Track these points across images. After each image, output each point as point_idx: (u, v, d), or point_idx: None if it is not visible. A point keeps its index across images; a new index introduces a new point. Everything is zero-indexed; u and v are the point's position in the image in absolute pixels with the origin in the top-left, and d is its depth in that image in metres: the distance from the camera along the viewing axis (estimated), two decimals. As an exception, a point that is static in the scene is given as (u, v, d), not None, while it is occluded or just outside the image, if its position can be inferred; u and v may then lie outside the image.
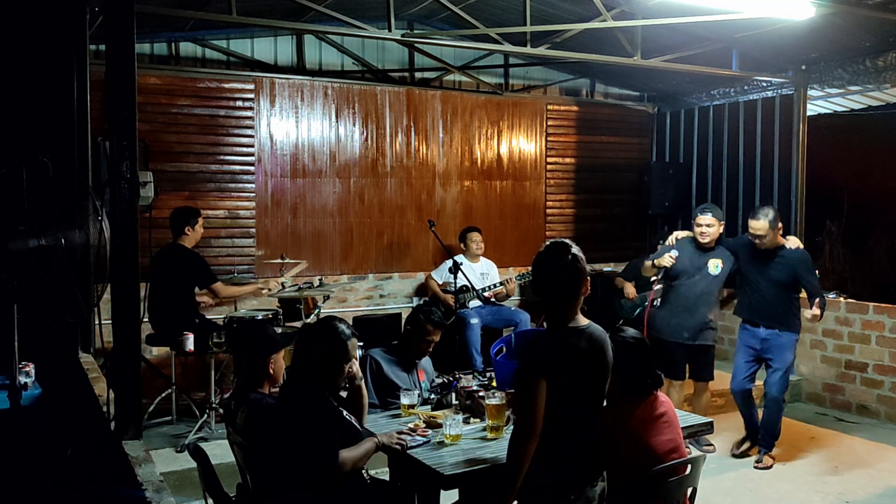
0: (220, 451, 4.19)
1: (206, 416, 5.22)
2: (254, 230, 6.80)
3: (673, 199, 8.15)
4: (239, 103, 6.70)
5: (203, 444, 3.99)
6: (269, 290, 6.10)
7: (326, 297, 6.29)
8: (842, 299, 6.70)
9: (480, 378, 4.12)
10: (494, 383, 4.00)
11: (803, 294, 5.19)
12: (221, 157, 6.65)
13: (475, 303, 6.78)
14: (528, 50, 6.01)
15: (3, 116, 4.40)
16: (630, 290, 6.97)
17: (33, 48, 4.57)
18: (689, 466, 3.11)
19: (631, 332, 3.34)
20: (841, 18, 5.68)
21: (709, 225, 5.29)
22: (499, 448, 3.20)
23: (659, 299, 5.96)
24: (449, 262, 6.50)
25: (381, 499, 3.32)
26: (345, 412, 3.21)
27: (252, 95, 6.73)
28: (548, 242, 2.82)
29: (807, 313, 5.02)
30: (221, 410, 5.10)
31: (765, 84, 7.34)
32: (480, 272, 7.02)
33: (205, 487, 3.19)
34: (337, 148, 7.12)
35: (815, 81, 6.91)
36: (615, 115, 8.50)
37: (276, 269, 6.35)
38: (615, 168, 8.44)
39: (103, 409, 3.80)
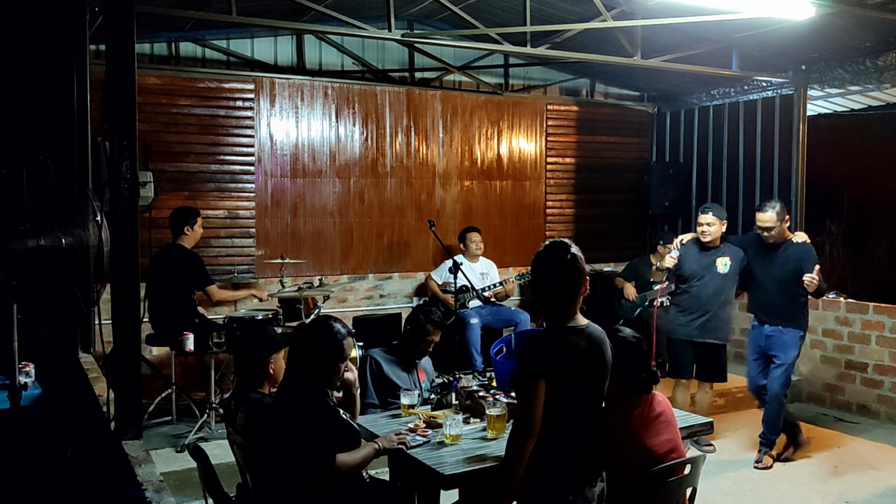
0: (220, 451, 4.19)
1: (206, 416, 5.22)
2: (254, 230, 6.80)
3: (673, 199, 8.15)
4: (239, 103, 6.70)
5: (203, 444, 3.99)
6: (261, 299, 6.16)
7: (326, 297, 6.30)
8: (842, 299, 6.70)
9: (480, 378, 4.13)
10: (494, 383, 4.01)
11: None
12: (221, 157, 6.65)
13: (475, 303, 6.78)
14: (528, 50, 6.01)
15: (2, 116, 4.39)
16: (630, 290, 6.97)
17: (33, 48, 4.56)
18: (689, 466, 3.11)
19: (628, 331, 3.34)
20: (841, 18, 5.68)
21: (709, 224, 5.30)
22: (499, 448, 3.19)
23: (663, 299, 5.98)
24: (449, 262, 6.50)
25: (381, 499, 3.32)
26: (342, 411, 3.22)
27: (252, 95, 6.73)
28: (547, 242, 2.82)
29: (807, 276, 4.93)
30: (221, 410, 5.10)
31: (765, 84, 7.34)
32: (480, 272, 7.02)
33: (205, 487, 3.19)
34: (337, 148, 7.12)
35: (815, 81, 6.91)
36: (615, 115, 8.50)
37: (276, 269, 6.36)
38: (615, 168, 8.44)
39: (103, 409, 3.80)
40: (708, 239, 5.31)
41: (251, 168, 6.76)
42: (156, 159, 6.19)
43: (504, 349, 4.14)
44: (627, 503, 3.00)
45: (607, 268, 7.92)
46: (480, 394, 3.72)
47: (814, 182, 7.21)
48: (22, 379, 3.55)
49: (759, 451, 5.28)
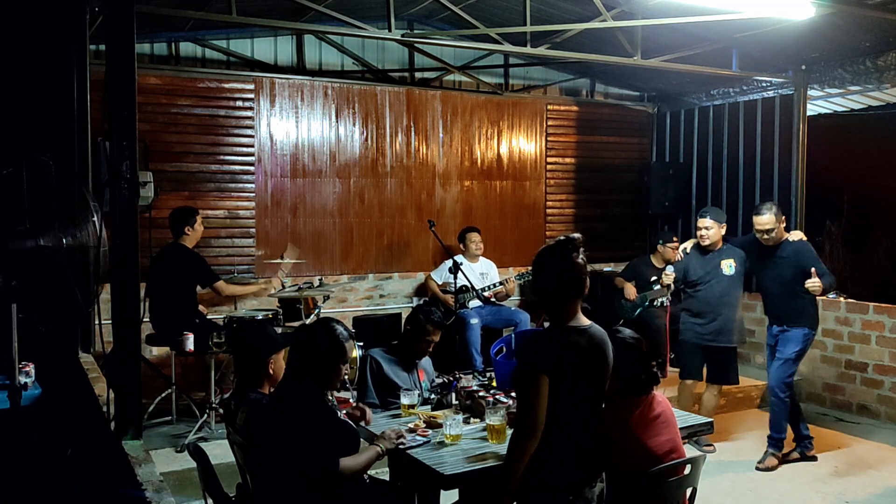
0: (220, 451, 4.19)
1: (206, 416, 5.22)
2: (254, 230, 6.80)
3: (673, 199, 8.15)
4: (239, 103, 6.70)
5: (203, 444, 4.00)
6: (273, 289, 6.13)
7: (326, 297, 6.30)
8: (842, 299, 6.70)
9: (480, 378, 4.13)
10: (494, 383, 4.01)
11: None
12: (221, 157, 6.65)
13: (475, 303, 6.78)
14: (528, 50, 6.01)
15: (3, 116, 4.39)
16: (630, 290, 6.97)
17: (33, 48, 4.56)
18: (689, 467, 3.11)
19: (628, 332, 3.35)
20: (841, 18, 5.68)
21: (707, 227, 5.37)
22: (499, 448, 3.19)
23: (663, 299, 6.04)
24: (449, 263, 6.50)
25: (381, 499, 3.32)
26: (341, 412, 3.22)
27: (252, 95, 6.73)
28: (554, 240, 2.80)
29: (809, 282, 4.96)
30: (221, 410, 5.10)
31: (765, 84, 7.34)
32: (480, 272, 7.02)
33: (205, 487, 3.19)
34: (337, 148, 7.12)
35: (815, 81, 6.91)
36: (615, 115, 8.50)
37: (276, 269, 6.36)
38: (615, 168, 8.44)
39: (103, 409, 3.80)
40: (707, 243, 5.38)
41: (251, 168, 6.76)
42: (156, 159, 6.19)
43: (504, 349, 4.15)
44: (627, 503, 3.00)
45: (607, 268, 7.92)
46: (480, 394, 3.73)
47: (814, 182, 7.21)
48: (22, 379, 3.55)
49: (765, 452, 5.24)
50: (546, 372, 2.62)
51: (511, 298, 7.35)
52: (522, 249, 7.83)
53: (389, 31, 5.31)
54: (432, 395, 3.97)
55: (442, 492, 3.17)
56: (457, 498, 3.30)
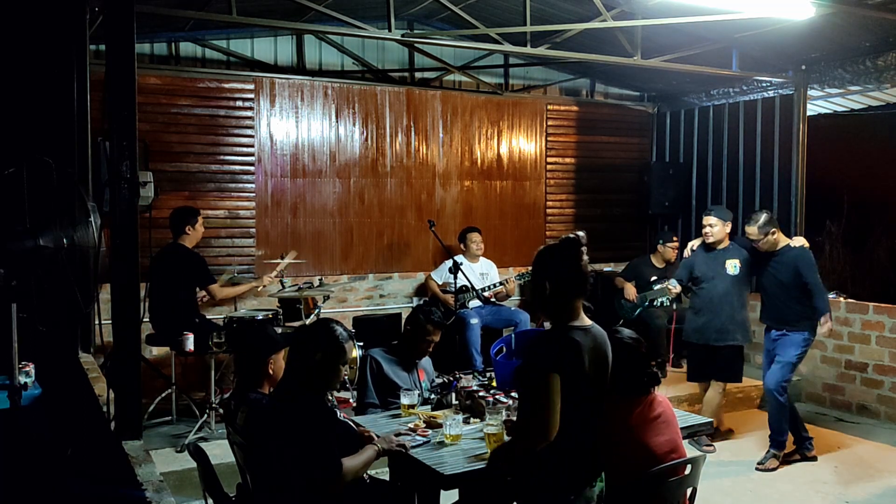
0: (220, 451, 4.19)
1: (206, 416, 5.22)
2: (254, 230, 6.79)
3: (673, 199, 8.15)
4: (239, 103, 6.70)
5: (203, 444, 4.00)
6: (265, 285, 6.11)
7: (326, 297, 6.30)
8: (842, 299, 6.70)
9: (480, 378, 4.13)
10: (494, 383, 4.01)
11: None
12: (221, 157, 6.65)
13: (475, 303, 6.78)
14: (528, 50, 6.01)
15: (3, 116, 4.40)
16: (630, 290, 6.97)
17: (33, 48, 4.56)
18: (689, 466, 3.11)
19: (627, 332, 3.35)
20: (841, 18, 5.68)
21: (711, 225, 5.44)
22: (499, 448, 3.19)
23: (663, 298, 6.05)
24: (449, 263, 6.51)
25: (381, 499, 3.32)
26: (340, 413, 3.21)
27: (252, 95, 6.73)
28: (558, 239, 2.79)
29: (821, 330, 5.09)
30: (221, 410, 5.10)
31: (765, 84, 7.34)
32: (480, 272, 7.02)
33: (205, 487, 3.19)
34: (337, 148, 7.12)
35: (815, 81, 6.91)
36: (615, 115, 8.50)
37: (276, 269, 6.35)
38: (615, 168, 8.44)
39: (103, 409, 3.80)
40: (711, 240, 5.45)
41: (251, 168, 6.76)
42: (156, 159, 6.19)
43: (504, 349, 4.15)
44: (627, 503, 3.00)
45: (607, 268, 7.92)
46: (480, 394, 3.73)
47: (814, 182, 7.21)
48: (22, 379, 3.55)
49: (766, 452, 5.24)
50: (557, 371, 2.61)
51: (511, 298, 7.35)
52: (522, 249, 7.83)
53: (389, 31, 5.31)
54: (432, 395, 3.97)
55: (442, 492, 3.17)
56: (457, 498, 3.30)
